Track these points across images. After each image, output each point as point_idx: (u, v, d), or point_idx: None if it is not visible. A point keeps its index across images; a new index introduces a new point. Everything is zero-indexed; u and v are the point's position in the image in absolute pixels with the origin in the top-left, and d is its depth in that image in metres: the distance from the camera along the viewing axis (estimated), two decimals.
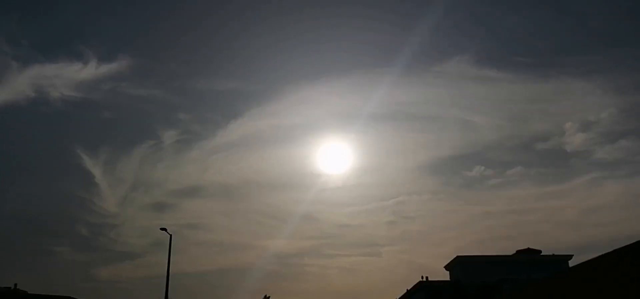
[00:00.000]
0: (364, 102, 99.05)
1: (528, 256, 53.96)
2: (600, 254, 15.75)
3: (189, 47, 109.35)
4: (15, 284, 59.66)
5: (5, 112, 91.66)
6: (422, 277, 50.73)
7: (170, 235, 43.91)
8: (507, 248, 61.36)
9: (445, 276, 55.14)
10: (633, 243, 13.66)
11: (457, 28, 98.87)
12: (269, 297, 56.91)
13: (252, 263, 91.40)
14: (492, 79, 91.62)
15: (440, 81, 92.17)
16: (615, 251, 14.77)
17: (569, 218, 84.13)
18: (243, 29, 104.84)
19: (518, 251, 55.20)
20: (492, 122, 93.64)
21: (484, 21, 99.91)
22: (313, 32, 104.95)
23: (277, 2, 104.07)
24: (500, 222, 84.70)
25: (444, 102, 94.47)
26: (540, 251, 54.77)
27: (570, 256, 52.11)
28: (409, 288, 53.62)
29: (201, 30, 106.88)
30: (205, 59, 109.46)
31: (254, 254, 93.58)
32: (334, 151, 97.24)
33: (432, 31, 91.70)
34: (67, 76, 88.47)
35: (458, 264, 53.07)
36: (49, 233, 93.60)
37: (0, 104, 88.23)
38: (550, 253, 54.19)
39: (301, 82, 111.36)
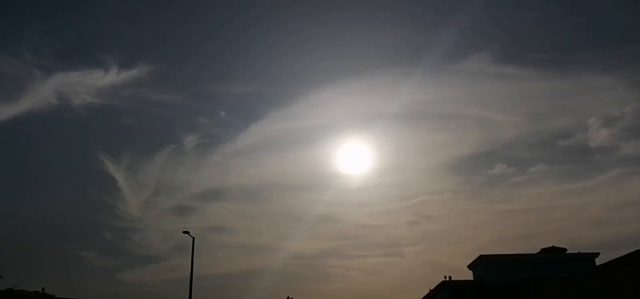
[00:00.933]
0: (382, 103, 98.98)
1: (553, 254, 53.13)
2: (628, 252, 15.47)
3: (207, 52, 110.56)
4: (43, 289, 60.86)
5: (30, 120, 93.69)
6: (445, 277, 50.41)
7: (193, 238, 44.27)
8: (530, 247, 60.68)
9: (468, 275, 54.64)
10: None
11: (474, 27, 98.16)
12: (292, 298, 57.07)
13: (274, 264, 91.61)
14: (511, 76, 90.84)
15: (458, 79, 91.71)
16: None
17: (594, 215, 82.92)
18: (261, 33, 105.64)
19: (542, 250, 54.39)
20: (512, 120, 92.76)
21: (500, 19, 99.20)
22: (330, 36, 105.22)
23: (294, 7, 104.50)
24: (523, 221, 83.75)
25: (463, 100, 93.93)
26: (565, 250, 53.89)
27: (596, 254, 51.20)
28: (431, 288, 53.27)
29: (220, 35, 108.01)
30: (224, 64, 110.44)
31: (276, 256, 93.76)
32: (353, 152, 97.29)
33: (449, 31, 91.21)
34: (89, 83, 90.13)
35: (481, 264, 52.52)
36: (74, 238, 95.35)
37: (25, 112, 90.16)
38: (576, 252, 53.30)
39: (319, 84, 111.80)
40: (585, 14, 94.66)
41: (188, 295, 44.39)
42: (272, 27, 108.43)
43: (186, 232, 44.55)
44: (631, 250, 15.32)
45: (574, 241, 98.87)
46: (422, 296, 56.06)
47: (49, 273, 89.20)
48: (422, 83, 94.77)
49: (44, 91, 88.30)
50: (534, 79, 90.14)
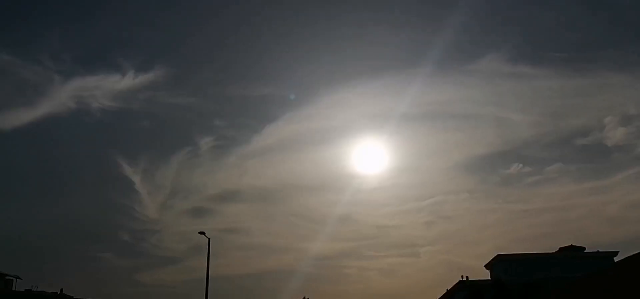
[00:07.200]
0: (397, 103, 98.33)
1: (571, 253, 52.50)
2: None
3: (223, 55, 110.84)
4: (61, 290, 61.40)
5: (49, 124, 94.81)
6: (462, 276, 50.10)
7: (209, 239, 44.58)
8: (548, 247, 59.92)
9: (485, 275, 54.23)
10: None
11: (488, 25, 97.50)
12: None
13: (290, 265, 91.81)
14: (527, 76, 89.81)
15: (474, 79, 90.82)
16: None
17: (612, 214, 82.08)
18: (276, 36, 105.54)
19: (561, 249, 53.81)
20: (528, 119, 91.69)
21: (515, 17, 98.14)
22: (344, 38, 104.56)
23: (309, 9, 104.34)
24: (540, 220, 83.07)
25: (479, 100, 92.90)
26: (583, 248, 53.24)
27: (615, 253, 50.45)
28: (449, 288, 52.96)
29: (235, 38, 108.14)
30: (239, 66, 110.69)
31: (293, 257, 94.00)
32: (369, 152, 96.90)
33: (462, 29, 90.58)
34: (106, 87, 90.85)
35: (499, 263, 52.11)
36: (93, 239, 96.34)
37: (45, 117, 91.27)
38: (594, 250, 52.64)
39: (334, 85, 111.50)
40: (602, 11, 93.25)
41: (204, 296, 44.68)
42: (286, 30, 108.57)
43: (202, 233, 44.93)
44: None
45: (592, 240, 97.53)
46: (439, 297, 55.77)
47: (68, 274, 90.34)
48: (436, 83, 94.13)
49: (63, 96, 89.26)
50: (551, 77, 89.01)
